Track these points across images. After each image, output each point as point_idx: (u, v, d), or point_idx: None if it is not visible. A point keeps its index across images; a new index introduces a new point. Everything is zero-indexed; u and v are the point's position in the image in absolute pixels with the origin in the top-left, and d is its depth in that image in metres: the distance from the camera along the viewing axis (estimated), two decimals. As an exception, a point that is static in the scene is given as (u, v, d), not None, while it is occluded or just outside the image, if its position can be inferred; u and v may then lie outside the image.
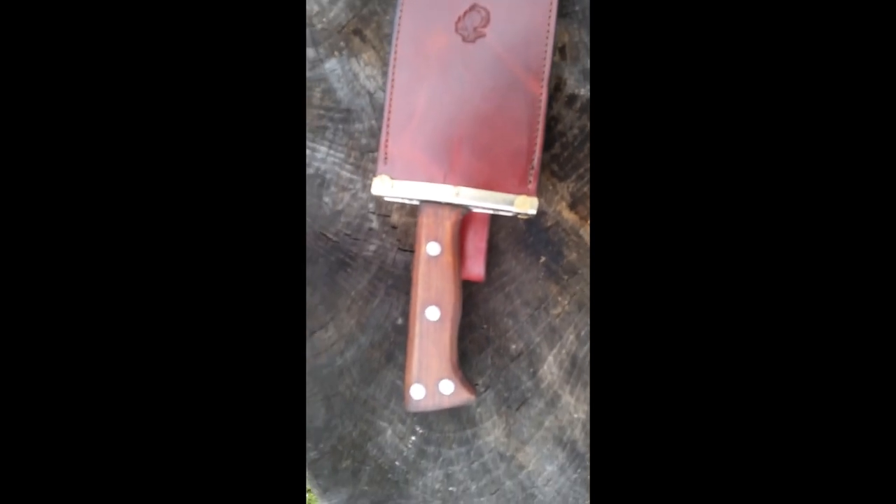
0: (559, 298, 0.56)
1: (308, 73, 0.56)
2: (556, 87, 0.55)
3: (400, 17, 0.52)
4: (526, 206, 0.51)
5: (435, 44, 0.51)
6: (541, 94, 0.51)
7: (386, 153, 0.51)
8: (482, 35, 0.51)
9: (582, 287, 0.55)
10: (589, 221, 0.55)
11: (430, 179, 0.51)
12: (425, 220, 0.52)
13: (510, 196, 0.51)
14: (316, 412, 0.56)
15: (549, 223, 0.56)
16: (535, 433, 0.55)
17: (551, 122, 0.55)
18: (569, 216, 0.55)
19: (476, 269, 0.54)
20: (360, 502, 0.56)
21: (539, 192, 0.54)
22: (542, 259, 0.56)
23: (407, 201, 0.53)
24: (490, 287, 0.56)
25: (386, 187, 0.51)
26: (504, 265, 0.56)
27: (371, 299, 0.56)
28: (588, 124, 0.55)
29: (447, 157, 0.51)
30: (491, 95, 0.51)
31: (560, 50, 0.55)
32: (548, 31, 0.51)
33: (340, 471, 0.56)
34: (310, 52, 0.56)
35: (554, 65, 0.55)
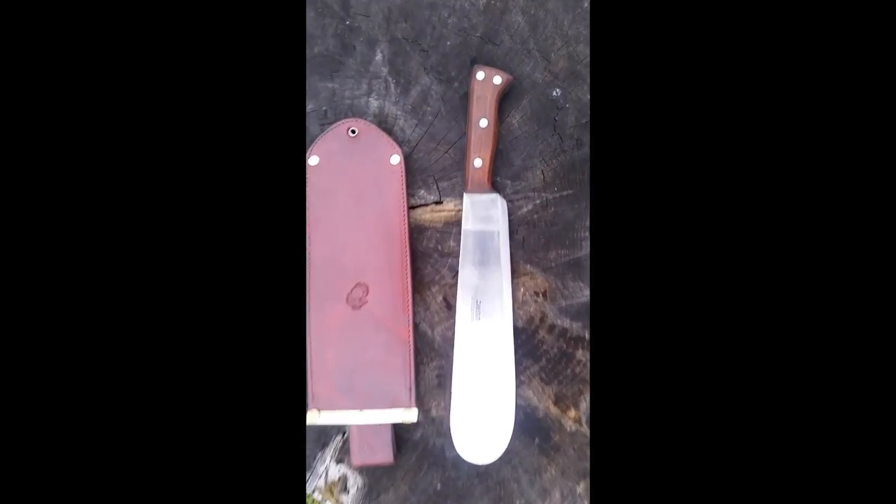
0: (548, 467, 0.79)
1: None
2: (540, 319, 0.81)
3: (309, 296, 0.78)
4: (409, 416, 0.76)
5: (334, 314, 0.77)
6: (408, 338, 0.77)
7: (313, 394, 0.76)
8: (365, 302, 0.78)
9: (564, 460, 0.79)
10: (567, 413, 0.80)
11: (343, 407, 0.76)
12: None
13: (398, 411, 0.76)
14: None
15: (540, 415, 0.80)
16: (535, 567, 0.78)
17: (539, 344, 0.81)
18: (553, 410, 0.80)
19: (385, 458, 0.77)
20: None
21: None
22: (536, 440, 0.80)
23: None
24: (500, 460, 0.79)
25: (315, 417, 0.76)
26: (510, 445, 0.80)
27: (418, 471, 0.80)
28: (564, 345, 0.81)
29: (352, 391, 0.76)
30: (375, 345, 0.77)
31: (542, 293, 0.82)
32: (407, 297, 0.78)
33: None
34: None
35: (536, 303, 0.81)
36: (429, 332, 0.81)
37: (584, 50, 0.83)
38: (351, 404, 0.75)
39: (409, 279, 0.79)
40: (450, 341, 0.80)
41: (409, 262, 0.79)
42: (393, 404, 0.76)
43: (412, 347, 0.78)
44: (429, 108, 0.84)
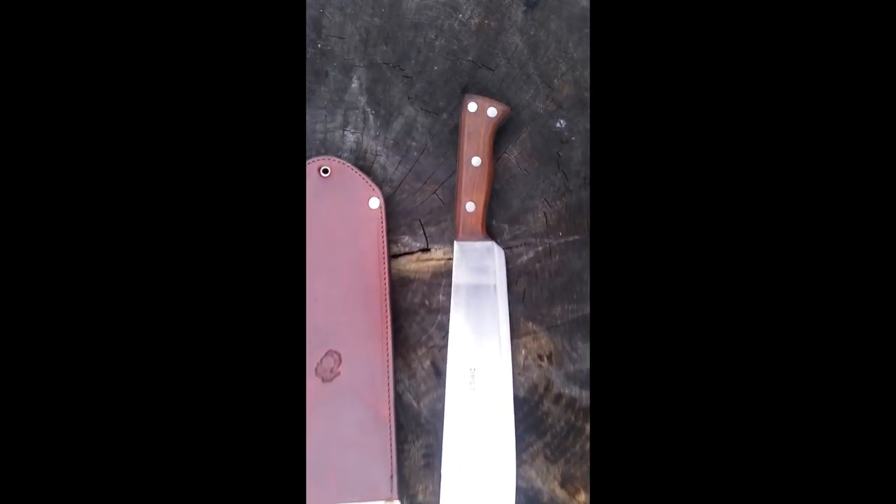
0: (556, 561, 0.68)
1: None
2: (545, 388, 0.70)
3: None
4: None
5: (301, 389, 0.66)
6: (388, 415, 0.67)
7: None
8: (338, 374, 0.67)
9: (574, 553, 0.68)
10: (576, 497, 0.69)
11: (313, 502, 0.64)
12: None
13: (377, 503, 0.65)
14: None
15: (544, 499, 0.69)
16: None
17: (543, 416, 0.70)
18: (560, 493, 0.69)
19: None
20: None
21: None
22: (541, 529, 0.69)
23: None
24: (499, 554, 0.68)
25: None
26: (510, 535, 0.68)
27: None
28: (573, 417, 0.70)
29: (323, 481, 0.65)
30: (349, 425, 0.66)
31: (547, 357, 0.71)
32: (387, 365, 0.67)
33: None
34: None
35: (540, 368, 0.70)
36: (414, 404, 0.70)
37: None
38: (322, 497, 0.64)
39: (390, 342, 0.68)
40: (439, 415, 0.69)
41: (389, 321, 0.68)
42: (371, 495, 0.65)
43: (393, 426, 0.66)
44: (414, 143, 0.73)
